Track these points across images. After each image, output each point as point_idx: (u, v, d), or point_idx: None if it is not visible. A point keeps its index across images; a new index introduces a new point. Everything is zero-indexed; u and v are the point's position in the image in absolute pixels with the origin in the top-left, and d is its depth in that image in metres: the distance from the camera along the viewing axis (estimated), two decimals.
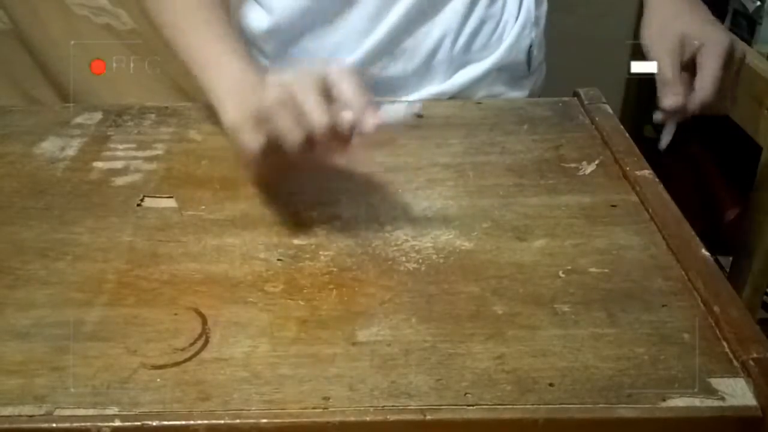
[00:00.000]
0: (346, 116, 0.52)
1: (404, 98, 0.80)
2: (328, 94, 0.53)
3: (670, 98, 0.69)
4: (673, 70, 0.69)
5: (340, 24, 0.78)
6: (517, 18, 0.82)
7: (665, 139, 0.71)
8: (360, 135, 0.53)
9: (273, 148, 0.55)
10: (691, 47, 0.69)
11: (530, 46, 0.84)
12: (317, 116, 0.52)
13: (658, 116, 0.71)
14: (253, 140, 0.55)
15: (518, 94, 0.85)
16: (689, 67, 0.70)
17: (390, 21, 0.78)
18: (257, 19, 0.81)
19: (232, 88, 0.62)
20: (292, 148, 0.53)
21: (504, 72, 0.83)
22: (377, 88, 0.80)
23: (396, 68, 0.80)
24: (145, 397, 0.43)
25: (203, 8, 0.70)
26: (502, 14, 0.81)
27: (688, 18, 0.72)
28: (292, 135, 0.53)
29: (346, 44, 0.78)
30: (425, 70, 0.80)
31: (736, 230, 1.19)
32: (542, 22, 0.85)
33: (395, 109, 0.59)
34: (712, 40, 0.69)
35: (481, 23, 0.80)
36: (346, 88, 0.53)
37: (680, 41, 0.70)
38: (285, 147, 0.53)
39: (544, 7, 0.86)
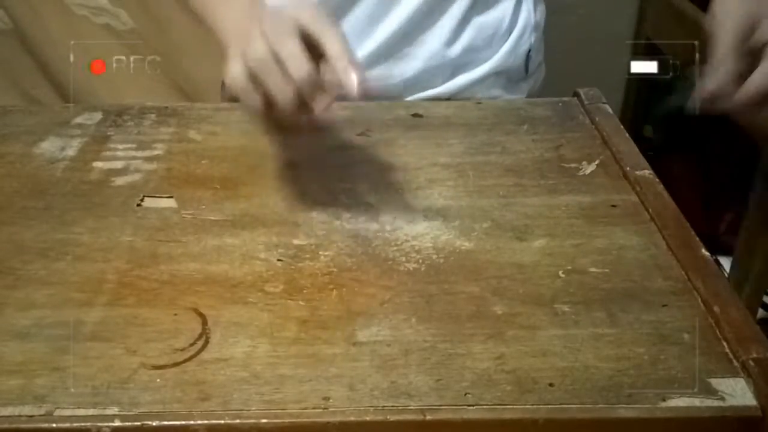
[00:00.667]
0: (330, 77, 0.52)
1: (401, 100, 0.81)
2: (313, 49, 0.52)
3: (715, 78, 0.56)
4: (732, 47, 0.57)
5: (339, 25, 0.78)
6: (515, 23, 0.82)
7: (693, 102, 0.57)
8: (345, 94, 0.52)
9: (270, 104, 0.54)
10: (762, 33, 0.57)
11: (528, 51, 0.84)
12: (301, 72, 0.51)
13: (692, 102, 0.57)
14: (250, 99, 0.55)
15: (516, 96, 0.86)
16: (752, 59, 0.58)
17: (389, 25, 0.78)
18: None
19: (236, 25, 0.61)
20: (284, 107, 0.53)
21: (501, 76, 0.83)
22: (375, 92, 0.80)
23: (394, 72, 0.80)
24: (145, 397, 0.43)
25: None
26: (500, 20, 0.81)
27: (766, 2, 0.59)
28: (282, 94, 0.52)
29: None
30: (423, 74, 0.80)
31: (736, 230, 1.19)
32: (541, 26, 0.85)
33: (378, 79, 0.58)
34: None
35: (480, 29, 0.80)
36: (332, 47, 0.52)
37: (752, 19, 0.58)
38: (278, 105, 0.53)
39: (543, 12, 0.86)
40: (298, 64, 0.52)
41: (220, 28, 0.64)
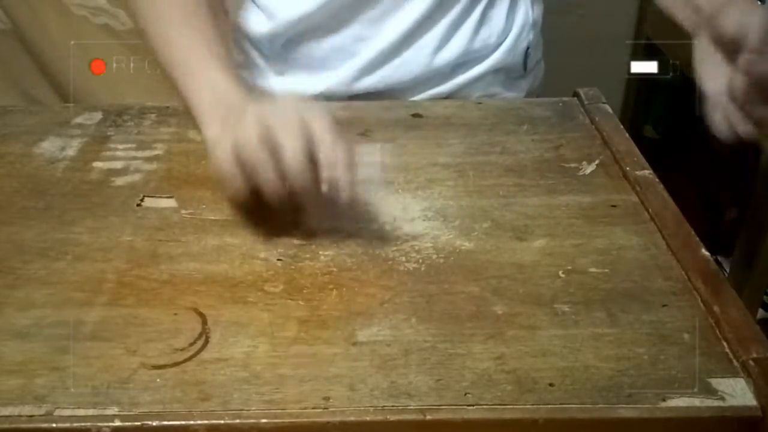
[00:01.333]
0: (325, 184, 0.52)
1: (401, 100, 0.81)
2: (307, 141, 0.52)
3: (754, 64, 0.50)
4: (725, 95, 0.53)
5: (340, 30, 0.78)
6: (513, 22, 0.82)
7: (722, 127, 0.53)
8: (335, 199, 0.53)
9: (252, 189, 0.54)
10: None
11: (527, 48, 0.84)
12: (297, 174, 0.52)
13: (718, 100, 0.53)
14: (233, 181, 0.55)
15: (515, 94, 0.86)
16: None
17: (389, 30, 0.78)
18: (257, 22, 0.81)
19: (214, 103, 0.61)
20: (270, 198, 0.54)
21: (500, 73, 0.83)
22: (375, 94, 0.80)
23: (393, 76, 0.80)
24: (145, 397, 0.43)
25: (189, 17, 0.69)
26: (499, 19, 0.81)
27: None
28: (270, 186, 0.53)
29: (346, 49, 0.78)
30: (422, 76, 0.80)
31: (736, 230, 1.19)
32: (539, 24, 0.85)
33: (371, 173, 0.58)
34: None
35: (478, 28, 0.80)
36: (328, 150, 0.52)
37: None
38: (263, 194, 0.54)
39: (540, 9, 0.86)
40: (298, 168, 0.52)
41: (194, 98, 0.63)
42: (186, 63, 0.66)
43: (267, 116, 0.53)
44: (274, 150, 0.52)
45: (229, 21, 0.84)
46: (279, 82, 0.82)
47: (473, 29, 0.80)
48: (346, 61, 0.79)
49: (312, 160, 0.52)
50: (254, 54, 0.83)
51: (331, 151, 0.52)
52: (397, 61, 0.79)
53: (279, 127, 0.53)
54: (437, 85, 0.81)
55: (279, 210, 0.55)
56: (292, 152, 0.52)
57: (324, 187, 0.52)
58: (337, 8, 0.76)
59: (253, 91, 0.63)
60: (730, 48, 0.55)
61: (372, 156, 0.62)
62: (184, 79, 0.65)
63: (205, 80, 0.64)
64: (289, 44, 0.80)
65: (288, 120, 0.53)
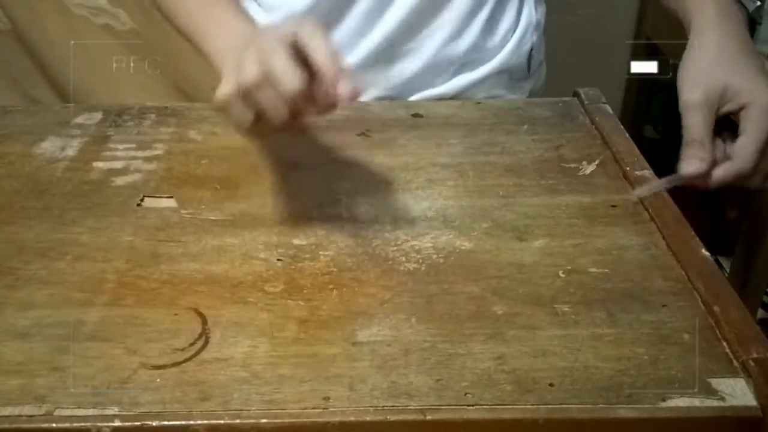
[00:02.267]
0: (320, 88, 0.51)
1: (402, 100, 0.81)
2: (303, 58, 0.52)
3: (691, 163, 0.58)
4: (702, 128, 0.59)
5: (338, 24, 0.78)
6: (518, 22, 0.82)
7: (640, 191, 0.60)
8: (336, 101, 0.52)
9: (260, 117, 0.54)
10: (732, 104, 0.59)
11: (530, 50, 0.84)
12: (292, 85, 0.51)
13: (662, 182, 0.60)
14: (241, 115, 0.55)
15: (518, 96, 0.86)
16: (724, 125, 0.60)
17: (388, 22, 0.77)
18: (255, 15, 0.81)
19: (226, 42, 0.61)
20: (276, 121, 0.53)
21: (504, 75, 0.83)
22: (377, 89, 0.80)
23: (395, 71, 0.80)
24: (145, 397, 0.43)
25: None
26: (503, 20, 0.81)
27: (734, 65, 0.60)
28: (274, 110, 0.52)
29: (344, 43, 0.78)
30: (425, 72, 0.80)
31: (736, 230, 1.19)
32: (542, 25, 0.85)
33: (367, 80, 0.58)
34: (760, 101, 0.58)
35: (482, 29, 0.80)
36: (319, 56, 0.51)
37: (719, 93, 0.59)
38: (270, 120, 0.53)
39: (543, 11, 0.86)
40: (289, 79, 0.51)
41: (211, 51, 0.64)
42: (204, 16, 0.66)
43: (259, 47, 0.53)
44: (268, 71, 0.52)
45: None
46: None
47: (482, 28, 0.80)
48: (346, 54, 0.79)
49: (306, 67, 0.52)
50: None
51: (324, 58, 0.51)
52: (397, 56, 0.79)
53: (266, 52, 0.52)
54: (440, 85, 0.81)
55: (283, 126, 0.54)
56: (284, 71, 0.51)
57: (324, 91, 0.52)
58: (335, 2, 0.76)
59: (261, 29, 0.63)
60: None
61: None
62: (202, 29, 0.65)
63: (221, 25, 0.64)
64: None
65: (272, 41, 0.53)
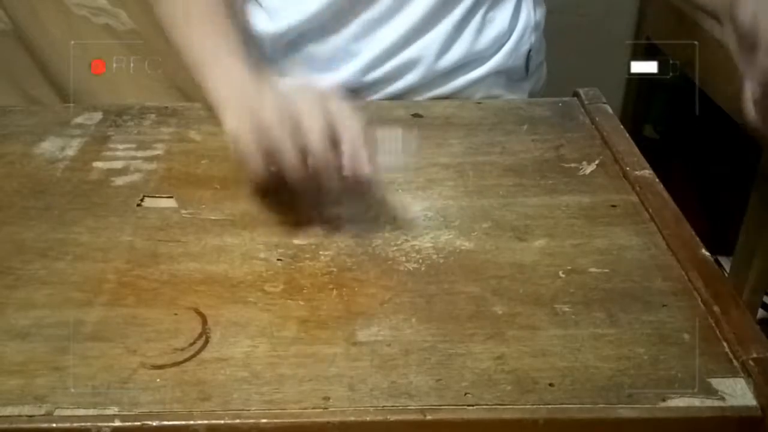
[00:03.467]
0: (346, 161, 0.53)
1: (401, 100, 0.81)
2: (329, 124, 0.53)
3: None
4: None
5: (341, 31, 0.78)
6: (516, 24, 0.82)
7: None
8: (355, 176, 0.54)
9: (273, 166, 0.55)
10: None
11: (529, 51, 0.84)
12: (319, 152, 0.52)
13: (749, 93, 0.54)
14: (254, 158, 0.55)
15: (517, 96, 0.86)
16: None
17: (391, 30, 0.77)
18: (260, 23, 0.81)
19: (234, 91, 0.62)
20: (290, 175, 0.54)
21: (502, 75, 0.83)
22: (377, 92, 0.81)
23: (395, 78, 0.80)
24: (145, 397, 0.43)
25: (210, 10, 0.70)
26: (501, 21, 0.81)
27: None
28: (292, 167, 0.53)
29: (347, 50, 0.78)
30: (425, 78, 0.80)
31: (735, 231, 1.19)
32: (541, 26, 0.85)
33: (391, 159, 0.59)
34: None
35: (481, 30, 0.80)
36: (349, 130, 0.53)
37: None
38: (284, 172, 0.54)
39: (543, 11, 0.86)
40: (320, 146, 0.52)
41: (214, 87, 0.64)
42: (203, 56, 0.67)
43: (287, 98, 0.54)
44: (295, 130, 0.53)
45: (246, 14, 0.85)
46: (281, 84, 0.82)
47: (476, 31, 0.80)
48: (347, 62, 0.79)
49: (332, 142, 0.53)
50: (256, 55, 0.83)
51: (351, 131, 0.53)
52: (398, 63, 0.79)
53: (299, 108, 0.53)
54: (439, 86, 0.81)
55: (301, 191, 0.55)
56: (313, 131, 0.53)
57: (346, 167, 0.53)
58: (339, 9, 0.76)
59: (271, 80, 0.63)
60: (748, 41, 0.54)
61: (391, 141, 0.63)
62: (203, 71, 0.66)
63: (224, 69, 0.64)
64: (291, 45, 0.80)
65: (308, 101, 0.54)
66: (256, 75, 0.63)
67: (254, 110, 0.56)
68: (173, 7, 0.72)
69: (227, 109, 0.61)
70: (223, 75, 0.64)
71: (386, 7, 0.77)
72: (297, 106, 0.54)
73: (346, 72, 0.79)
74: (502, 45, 0.82)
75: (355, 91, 0.80)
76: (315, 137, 0.53)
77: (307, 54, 0.80)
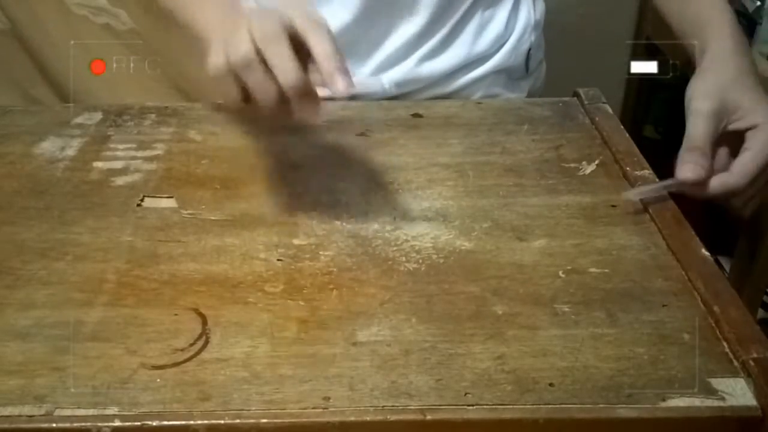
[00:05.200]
0: (317, 79, 0.51)
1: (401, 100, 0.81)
2: (300, 47, 0.51)
3: (690, 168, 0.59)
4: (706, 137, 0.60)
5: (349, 39, 0.78)
6: (516, 23, 0.82)
7: (634, 193, 0.60)
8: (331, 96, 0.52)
9: (249, 98, 0.54)
10: (742, 122, 0.60)
11: (529, 49, 0.84)
12: (289, 77, 0.51)
13: (657, 186, 0.60)
14: (229, 92, 0.55)
15: (516, 95, 0.86)
16: (724, 143, 0.61)
17: (390, 45, 0.77)
18: None
19: (213, 22, 0.61)
20: (264, 104, 0.52)
21: (502, 74, 0.83)
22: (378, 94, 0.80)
23: (400, 78, 0.80)
24: (145, 397, 0.43)
25: None
26: (501, 20, 0.81)
27: (742, 86, 0.62)
28: (264, 94, 0.52)
29: (358, 54, 0.78)
30: (425, 81, 0.80)
31: (735, 231, 1.19)
32: (541, 25, 0.85)
33: (368, 83, 0.58)
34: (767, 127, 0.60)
35: (481, 30, 0.80)
36: (319, 48, 0.51)
37: (731, 108, 0.61)
38: (258, 102, 0.53)
39: (542, 10, 0.86)
40: (285, 66, 0.51)
41: (197, 22, 0.63)
42: None
43: (253, 24, 0.52)
44: (262, 50, 0.51)
45: None
46: None
47: (476, 31, 0.80)
48: (356, 70, 0.79)
49: (300, 53, 0.52)
50: None
51: (323, 46, 0.51)
52: (399, 73, 0.79)
53: (262, 32, 0.52)
54: (439, 86, 0.81)
55: (273, 112, 0.54)
56: (278, 50, 0.51)
57: (317, 79, 0.51)
58: (342, 31, 0.76)
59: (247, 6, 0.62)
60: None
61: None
62: (188, 7, 0.65)
63: (207, 3, 0.63)
64: None
65: (270, 23, 0.52)
66: (238, 4, 0.61)
67: (228, 34, 0.54)
68: None
69: (208, 42, 0.59)
70: (207, 7, 0.63)
71: (386, 25, 0.76)
72: (265, 40, 0.52)
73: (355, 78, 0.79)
74: (503, 44, 0.82)
75: (357, 94, 0.80)
76: (285, 69, 0.51)
77: None
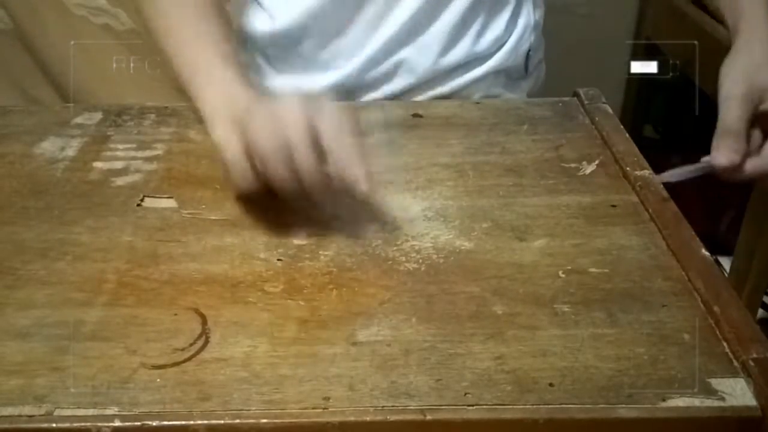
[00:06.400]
0: (337, 176, 0.53)
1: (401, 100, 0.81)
2: (315, 136, 0.53)
3: (725, 154, 0.59)
4: (740, 120, 0.60)
5: (340, 31, 0.78)
6: (516, 24, 0.82)
7: (670, 175, 0.61)
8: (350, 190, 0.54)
9: (263, 185, 0.55)
10: None
11: (528, 50, 0.84)
12: (309, 172, 0.53)
13: (692, 169, 0.61)
14: (244, 177, 0.55)
15: (516, 95, 0.86)
16: (758, 124, 0.61)
17: (389, 29, 0.77)
18: (260, 23, 0.81)
19: (221, 100, 0.62)
20: (282, 195, 0.54)
21: (501, 75, 0.83)
22: (377, 90, 0.81)
23: (395, 76, 0.80)
24: (145, 397, 0.43)
25: (199, 15, 0.69)
26: (501, 21, 0.81)
27: None
28: (284, 184, 0.54)
29: (346, 49, 0.78)
30: (425, 77, 0.80)
31: (735, 231, 1.19)
32: (540, 26, 0.86)
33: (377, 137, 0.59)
34: None
35: (481, 30, 0.80)
36: (337, 141, 0.53)
37: (760, 90, 0.61)
38: (276, 191, 0.54)
39: (542, 11, 0.86)
40: (310, 168, 0.52)
41: (201, 95, 0.63)
42: (195, 61, 0.66)
43: (276, 113, 0.54)
44: (284, 146, 0.53)
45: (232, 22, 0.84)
46: (280, 82, 0.82)
47: (477, 32, 0.80)
48: (346, 60, 0.79)
49: (320, 152, 0.53)
50: (256, 54, 0.83)
51: (339, 141, 0.53)
52: (398, 60, 0.79)
53: (288, 124, 0.53)
54: (439, 86, 0.81)
55: (290, 203, 0.55)
56: (301, 149, 0.52)
57: (335, 182, 0.53)
58: (336, 9, 0.76)
59: (261, 91, 0.63)
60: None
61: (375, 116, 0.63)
62: (193, 77, 0.65)
63: (214, 79, 0.64)
64: (290, 45, 0.80)
65: (296, 116, 0.53)
66: (248, 88, 0.63)
67: (245, 124, 0.55)
68: (163, 7, 0.71)
69: (216, 119, 0.61)
70: (216, 85, 0.63)
71: (383, 4, 0.76)
72: (285, 120, 0.53)
73: (346, 70, 0.79)
74: (502, 45, 0.82)
75: (354, 89, 0.80)
76: (302, 152, 0.52)
77: (305, 54, 0.80)
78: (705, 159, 0.62)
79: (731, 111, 0.60)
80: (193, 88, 0.65)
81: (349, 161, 0.53)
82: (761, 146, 0.61)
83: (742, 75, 0.62)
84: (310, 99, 0.55)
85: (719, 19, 0.72)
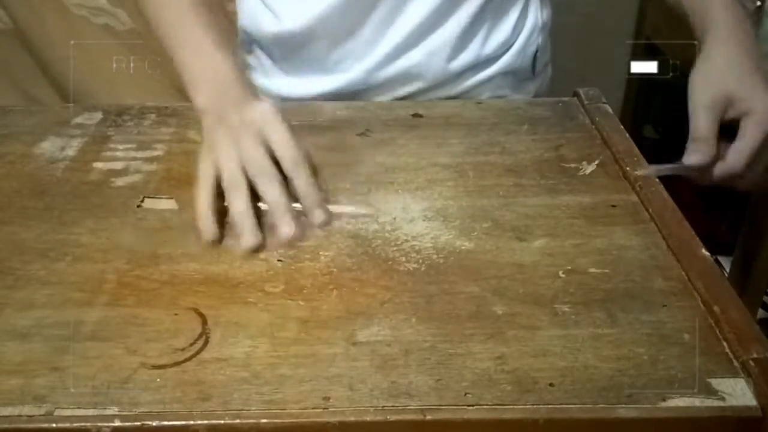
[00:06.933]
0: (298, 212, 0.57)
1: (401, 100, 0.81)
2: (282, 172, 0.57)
3: (695, 155, 0.63)
4: (708, 127, 0.63)
5: (348, 33, 0.78)
6: (523, 25, 0.82)
7: (653, 170, 0.64)
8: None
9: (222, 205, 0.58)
10: (735, 110, 0.63)
11: (536, 52, 0.84)
12: (280, 210, 0.56)
13: (668, 167, 0.64)
14: (207, 194, 0.57)
15: (522, 96, 0.85)
16: (728, 129, 0.64)
17: (398, 33, 0.77)
18: (266, 23, 0.80)
19: (208, 75, 0.63)
20: (236, 221, 0.56)
21: (508, 76, 0.83)
22: (386, 94, 0.80)
23: (404, 81, 0.80)
24: (145, 397, 0.43)
25: (199, 7, 0.69)
26: (509, 23, 0.81)
27: (740, 73, 0.64)
28: (243, 220, 0.56)
29: (354, 52, 0.78)
30: (434, 81, 0.80)
31: (735, 231, 1.19)
32: (547, 27, 0.85)
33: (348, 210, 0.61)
34: (761, 108, 0.62)
35: (489, 33, 0.80)
36: (301, 183, 0.57)
37: (725, 98, 0.63)
38: (237, 227, 0.56)
39: (549, 13, 0.86)
40: (276, 199, 0.56)
41: (188, 67, 0.65)
42: (186, 39, 0.66)
43: (242, 147, 0.57)
44: (249, 180, 0.57)
45: (232, 22, 0.84)
46: (286, 83, 0.82)
47: (486, 34, 0.80)
48: (354, 62, 0.79)
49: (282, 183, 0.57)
50: (262, 55, 0.83)
51: (298, 176, 0.57)
52: (406, 65, 0.79)
53: (251, 163, 0.57)
54: (447, 88, 0.81)
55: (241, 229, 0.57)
56: (271, 192, 0.57)
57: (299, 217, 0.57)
58: (344, 10, 0.76)
59: (251, 87, 0.63)
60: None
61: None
62: (180, 49, 0.66)
63: (202, 52, 0.64)
64: (297, 47, 0.80)
65: (259, 155, 0.57)
66: (240, 80, 0.63)
67: (217, 153, 0.58)
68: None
69: (199, 89, 0.62)
70: (200, 55, 0.64)
71: (392, 7, 0.76)
72: (252, 169, 0.57)
73: (353, 73, 0.79)
74: (510, 46, 0.82)
75: (362, 93, 0.80)
76: (271, 191, 0.57)
77: (313, 55, 0.80)
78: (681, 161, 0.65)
79: (700, 121, 0.63)
80: (178, 56, 0.66)
81: (308, 194, 0.57)
82: (726, 152, 0.64)
83: (710, 83, 0.64)
84: (271, 117, 0.59)
85: (678, 13, 0.73)
